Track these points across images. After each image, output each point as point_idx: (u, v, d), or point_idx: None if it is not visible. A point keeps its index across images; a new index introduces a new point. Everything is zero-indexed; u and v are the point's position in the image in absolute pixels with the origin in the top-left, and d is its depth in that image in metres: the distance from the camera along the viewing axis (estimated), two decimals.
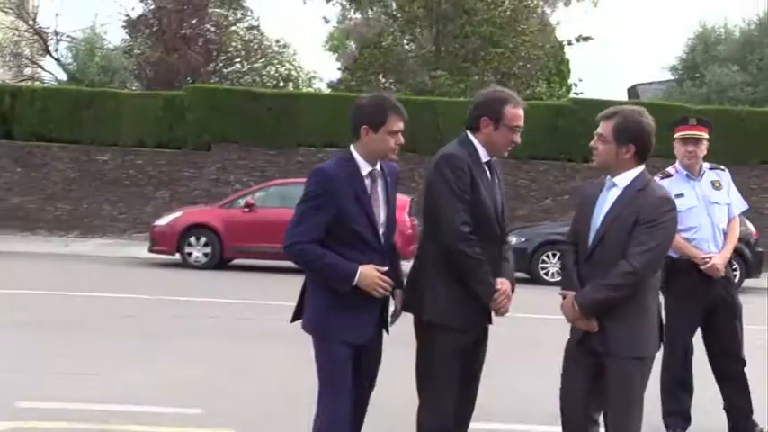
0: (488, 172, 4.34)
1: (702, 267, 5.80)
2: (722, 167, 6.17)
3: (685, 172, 6.04)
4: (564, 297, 4.20)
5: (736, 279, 14.20)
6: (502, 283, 4.26)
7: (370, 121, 4.15)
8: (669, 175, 6.07)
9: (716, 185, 6.03)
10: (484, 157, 4.32)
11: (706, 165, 6.11)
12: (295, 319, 4.33)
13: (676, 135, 6.08)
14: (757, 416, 5.99)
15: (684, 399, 6.03)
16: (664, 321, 4.29)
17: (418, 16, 28.13)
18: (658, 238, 4.04)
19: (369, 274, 4.08)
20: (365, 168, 4.18)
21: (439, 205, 4.22)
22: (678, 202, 5.81)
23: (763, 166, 22.20)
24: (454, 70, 27.26)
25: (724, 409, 6.03)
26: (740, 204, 6.16)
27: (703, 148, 6.04)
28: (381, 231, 4.20)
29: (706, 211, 5.94)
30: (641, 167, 4.22)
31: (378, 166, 4.23)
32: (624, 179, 4.17)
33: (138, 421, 5.94)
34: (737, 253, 15.82)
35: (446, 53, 28.25)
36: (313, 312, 4.19)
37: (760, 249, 16.90)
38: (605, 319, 4.05)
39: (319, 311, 4.16)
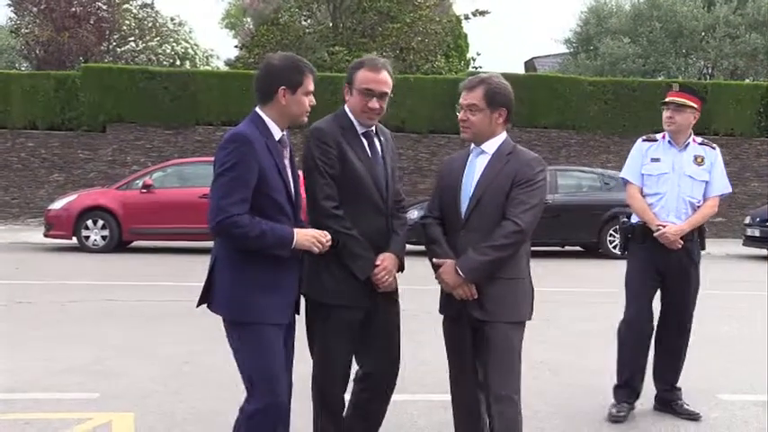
0: (366, 143, 4.21)
1: (655, 234, 5.71)
2: (713, 145, 5.98)
3: (668, 139, 5.90)
4: (438, 267, 4.13)
5: None
6: (383, 259, 4.13)
7: (288, 82, 3.82)
8: (653, 140, 5.97)
9: (698, 160, 5.85)
10: (360, 128, 4.21)
11: (697, 138, 5.96)
12: (202, 302, 3.88)
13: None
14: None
15: (632, 374, 5.85)
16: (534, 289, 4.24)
17: None
18: (537, 197, 4.06)
19: (305, 231, 3.81)
20: (277, 134, 3.86)
21: (305, 181, 4.16)
22: (652, 166, 5.84)
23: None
24: (352, 46, 27.22)
25: (653, 375, 5.99)
26: (722, 187, 5.92)
27: (686, 116, 5.86)
28: (294, 200, 3.91)
29: (677, 181, 5.80)
30: (505, 133, 4.25)
31: (285, 132, 3.94)
32: (492, 145, 4.19)
33: (37, 408, 5.77)
34: None
35: (344, 29, 28.19)
36: (233, 295, 3.74)
37: None
38: (484, 285, 4.04)
39: (241, 293, 3.73)
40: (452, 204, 4.17)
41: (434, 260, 4.17)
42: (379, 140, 4.30)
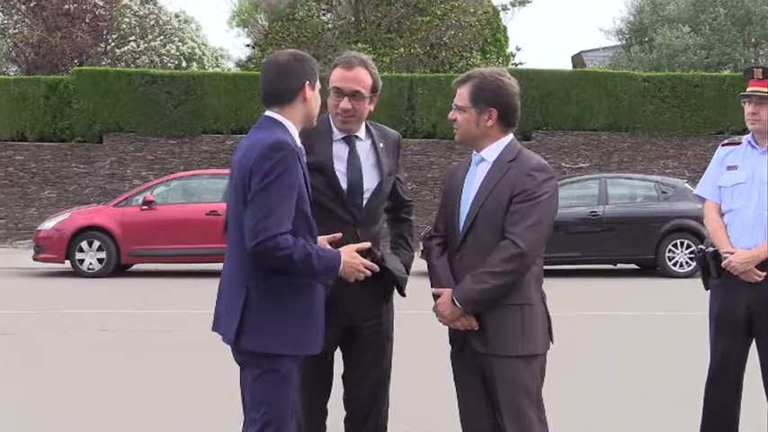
0: (347, 149, 4.23)
1: (722, 264, 4.92)
2: None
3: (750, 141, 5.11)
4: (437, 296, 3.99)
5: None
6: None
7: (310, 75, 3.83)
8: (735, 144, 5.22)
9: None
10: (338, 134, 4.24)
11: None
12: (237, 342, 3.72)
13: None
14: None
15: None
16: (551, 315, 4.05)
17: None
18: (539, 213, 3.86)
19: (352, 260, 3.78)
20: (298, 140, 3.81)
21: None
22: (727, 175, 5.08)
23: (720, 137, 22.66)
24: (377, 42, 27.28)
25: None
26: None
27: None
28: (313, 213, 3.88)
29: (755, 192, 4.94)
30: (510, 136, 4.05)
31: None
32: (493, 151, 4.00)
33: None
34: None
35: (367, 23, 28.28)
36: (267, 327, 3.68)
37: None
38: (484, 315, 3.89)
39: (275, 325, 3.68)
40: (452, 221, 4.05)
41: (433, 290, 4.04)
42: (372, 145, 4.28)
